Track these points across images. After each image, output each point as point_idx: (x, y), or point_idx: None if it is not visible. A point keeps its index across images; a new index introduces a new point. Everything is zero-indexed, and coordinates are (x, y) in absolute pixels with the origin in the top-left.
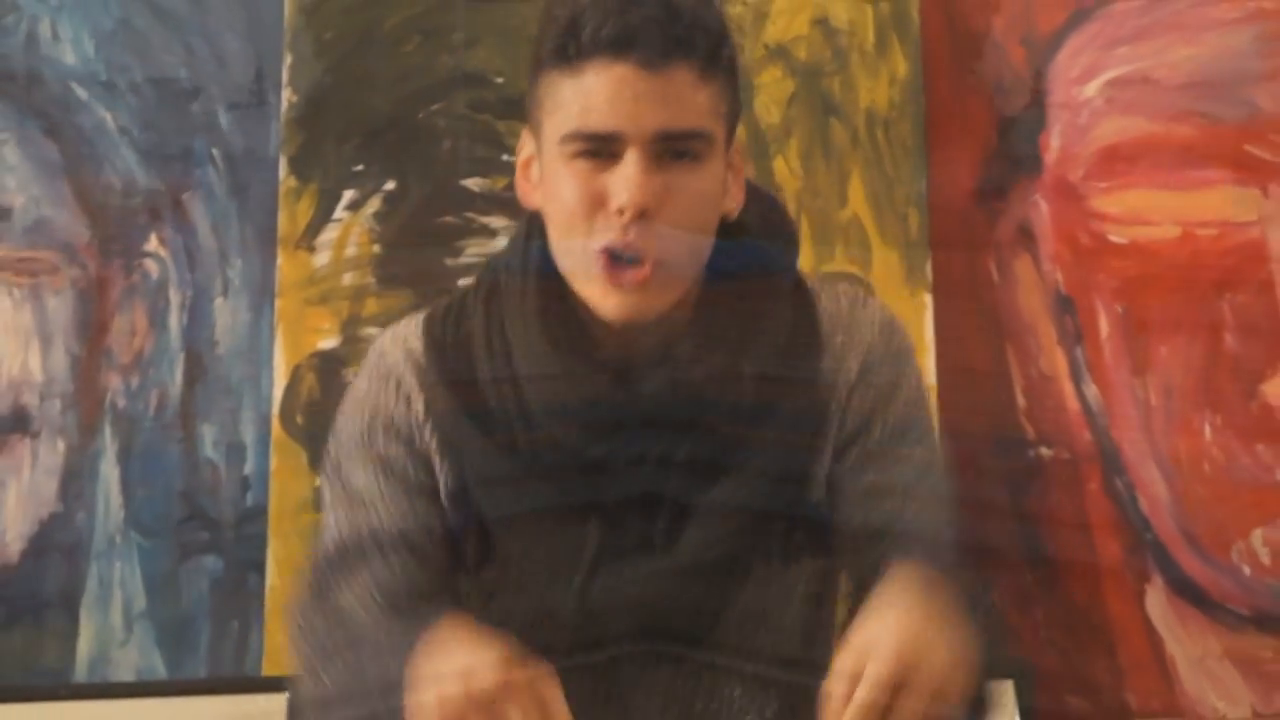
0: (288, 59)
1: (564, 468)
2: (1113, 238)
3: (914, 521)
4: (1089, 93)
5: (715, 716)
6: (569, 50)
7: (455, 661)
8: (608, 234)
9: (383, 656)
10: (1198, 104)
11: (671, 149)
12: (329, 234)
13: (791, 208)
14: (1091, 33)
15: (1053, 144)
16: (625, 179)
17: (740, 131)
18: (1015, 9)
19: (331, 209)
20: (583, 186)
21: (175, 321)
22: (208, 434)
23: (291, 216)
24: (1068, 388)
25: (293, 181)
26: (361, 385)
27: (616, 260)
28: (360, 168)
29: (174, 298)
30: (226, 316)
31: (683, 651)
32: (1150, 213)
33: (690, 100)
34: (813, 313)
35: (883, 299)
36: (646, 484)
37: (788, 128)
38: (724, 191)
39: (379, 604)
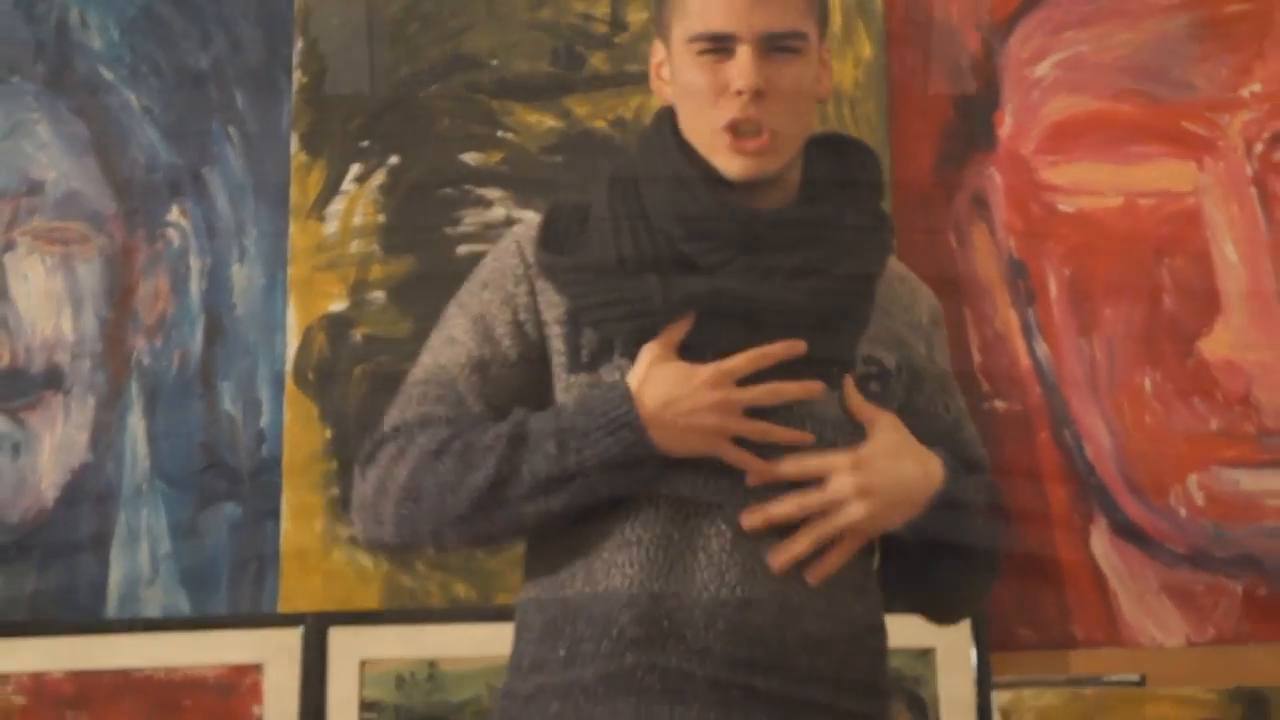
0: (298, 44)
1: (661, 260)
2: (1061, 207)
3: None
4: (1039, 73)
5: None
6: None
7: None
8: (731, 111)
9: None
10: (1138, 84)
11: (775, 45)
12: (337, 205)
13: None
14: (1041, 18)
15: (1006, 121)
16: (741, 68)
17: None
18: None
19: (339, 182)
20: (709, 75)
21: (195, 287)
22: (226, 390)
23: (302, 189)
24: (1020, 346)
25: (303, 157)
26: (487, 258)
27: (740, 132)
28: (365, 144)
29: (194, 265)
30: (243, 282)
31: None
32: (1095, 184)
33: (790, 6)
34: (887, 223)
35: None
36: (736, 281)
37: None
38: (817, 79)
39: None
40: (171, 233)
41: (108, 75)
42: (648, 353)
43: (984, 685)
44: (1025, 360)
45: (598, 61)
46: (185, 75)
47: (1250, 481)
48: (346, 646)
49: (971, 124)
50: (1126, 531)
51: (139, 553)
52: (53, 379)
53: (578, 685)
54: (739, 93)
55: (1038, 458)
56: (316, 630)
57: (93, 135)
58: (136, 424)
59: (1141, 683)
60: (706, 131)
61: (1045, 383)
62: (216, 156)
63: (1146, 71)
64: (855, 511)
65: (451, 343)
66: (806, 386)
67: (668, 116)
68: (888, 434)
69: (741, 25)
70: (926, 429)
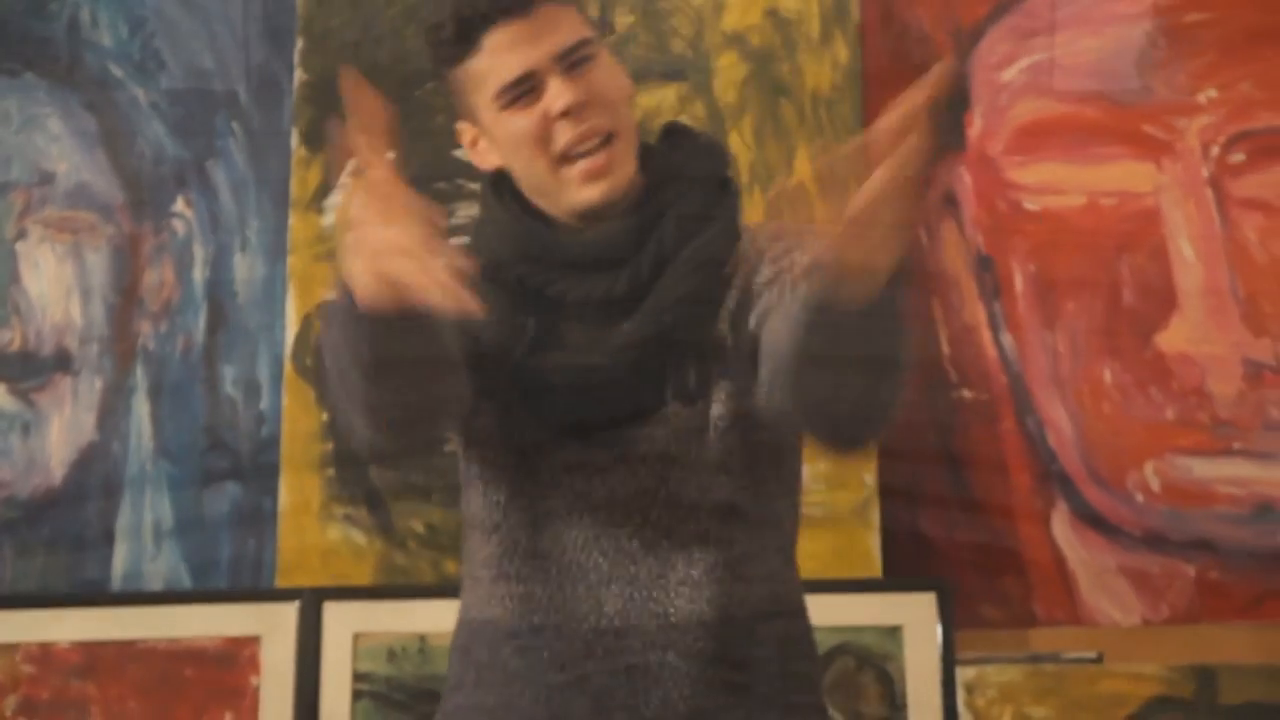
0: (299, 44)
1: (518, 295)
2: (1027, 205)
3: None
4: (1007, 77)
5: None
6: (465, 38)
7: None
8: (564, 135)
9: None
10: (1101, 89)
11: (571, 60)
12: (336, 198)
13: (745, 177)
14: (1009, 25)
15: (975, 122)
16: (554, 92)
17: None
18: (942, 4)
19: (337, 175)
20: (527, 117)
21: (199, 275)
22: (228, 374)
23: (302, 182)
24: (986, 337)
25: (303, 151)
26: None
27: (580, 153)
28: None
29: (198, 254)
30: (245, 270)
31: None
32: (1059, 183)
33: (564, 23)
34: (733, 195)
35: None
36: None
37: (742, 106)
38: (615, 72)
39: None
40: (177, 223)
41: (117, 72)
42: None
43: (949, 661)
44: (991, 351)
45: None
46: (191, 72)
47: (1204, 469)
48: (340, 620)
49: (942, 124)
50: (1086, 516)
51: (143, 529)
52: (62, 362)
53: (482, 709)
54: (563, 114)
55: (1002, 445)
56: (312, 605)
57: (102, 129)
58: (142, 406)
59: (1099, 660)
60: (548, 174)
61: (1010, 373)
62: (220, 151)
63: (1109, 77)
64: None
65: None
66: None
67: (505, 182)
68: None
69: (531, 59)
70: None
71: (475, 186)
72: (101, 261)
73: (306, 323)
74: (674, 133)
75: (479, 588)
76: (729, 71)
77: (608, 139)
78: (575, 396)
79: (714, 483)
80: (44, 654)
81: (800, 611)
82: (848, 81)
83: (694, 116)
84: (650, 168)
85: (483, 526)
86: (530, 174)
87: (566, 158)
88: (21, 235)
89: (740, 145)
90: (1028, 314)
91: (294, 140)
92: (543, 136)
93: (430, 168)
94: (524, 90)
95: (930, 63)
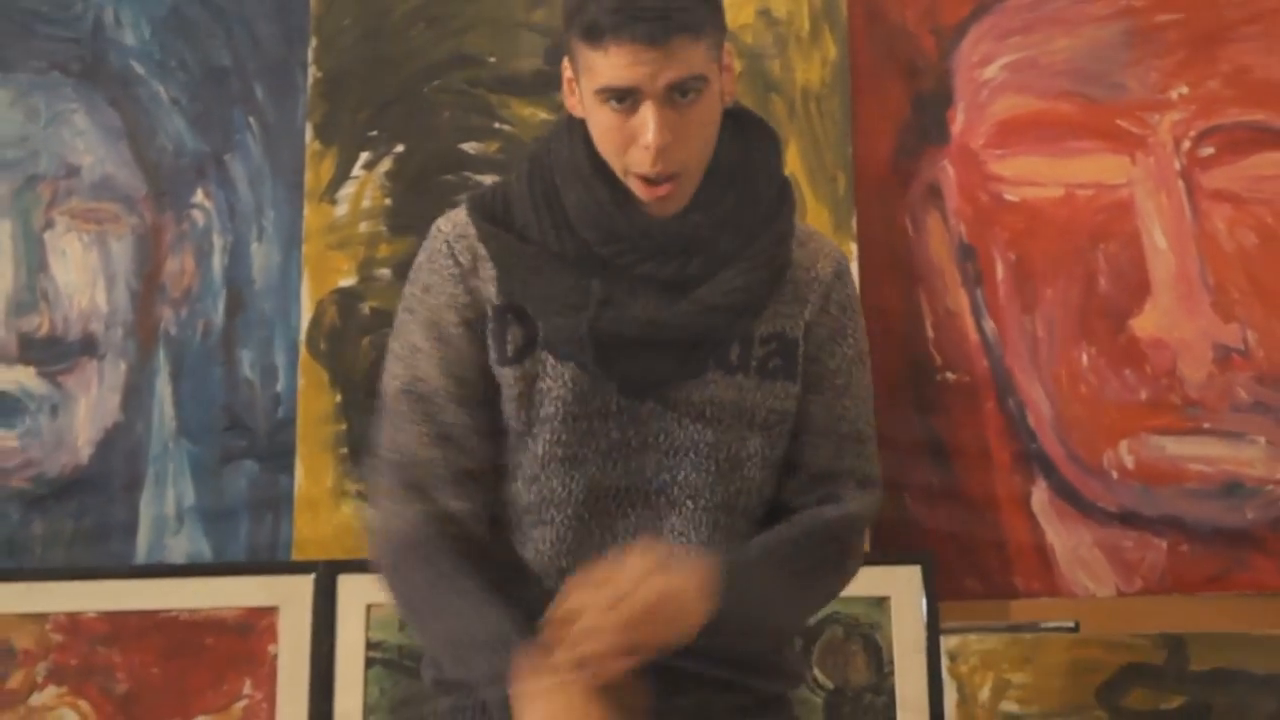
0: (313, 42)
1: (584, 259)
2: (1007, 196)
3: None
4: (987, 75)
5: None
6: (595, 36)
7: None
8: (640, 165)
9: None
10: (1077, 85)
11: (680, 91)
12: (348, 189)
13: None
14: (989, 25)
15: (958, 117)
16: (646, 124)
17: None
18: (926, 4)
19: (350, 168)
20: (616, 128)
21: (218, 263)
22: (246, 357)
23: (316, 174)
24: (969, 323)
25: (317, 145)
26: (419, 258)
27: (649, 181)
28: (374, 133)
29: (217, 242)
30: (261, 259)
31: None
32: (1038, 176)
33: (688, 58)
34: (787, 191)
35: None
36: (646, 284)
37: (735, 101)
38: (721, 96)
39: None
40: (196, 213)
41: (139, 69)
42: (536, 678)
43: (933, 630)
44: (974, 336)
45: None
46: (210, 70)
47: (1175, 447)
48: (354, 592)
49: (926, 120)
50: (1063, 492)
51: (165, 504)
52: (88, 346)
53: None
54: (646, 148)
55: (984, 425)
56: (327, 577)
57: (125, 124)
58: (164, 387)
59: (1075, 629)
60: (618, 168)
61: (991, 356)
62: (238, 144)
63: (1084, 74)
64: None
65: (415, 351)
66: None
67: (580, 130)
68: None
69: (644, 80)
70: (808, 383)
71: (480, 179)
72: (125, 250)
73: (320, 308)
74: (740, 120)
75: (515, 533)
76: None
77: (676, 175)
78: (639, 352)
79: (748, 446)
80: (72, 623)
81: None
82: (836, 78)
83: None
84: (719, 159)
85: (524, 476)
86: (604, 153)
87: (637, 176)
88: (49, 225)
89: None
90: (1008, 300)
91: (308, 134)
92: (623, 146)
93: (438, 161)
94: (623, 97)
95: (915, 60)
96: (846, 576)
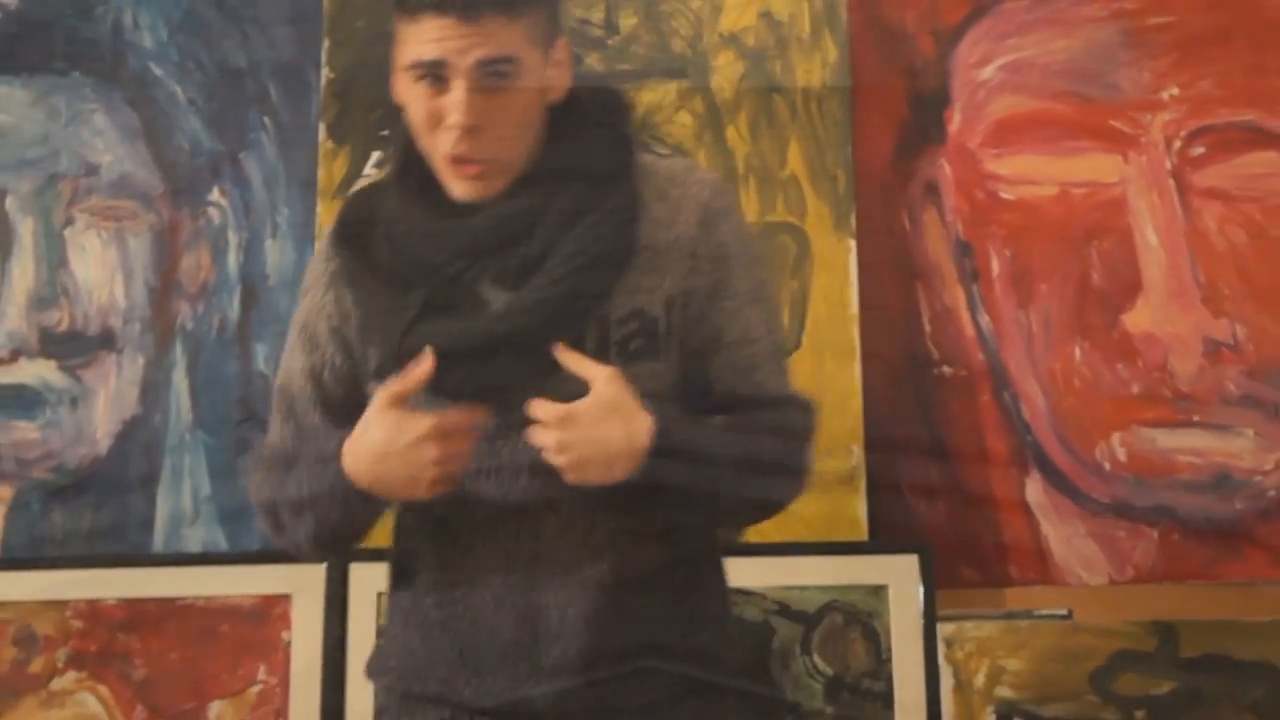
0: (326, 43)
1: (409, 275)
2: (1003, 195)
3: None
4: (984, 76)
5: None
6: (407, 5)
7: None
8: (448, 144)
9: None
10: (1072, 86)
11: (488, 72)
12: (359, 187)
13: (740, 168)
14: (987, 26)
15: (955, 117)
16: (454, 102)
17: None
18: (925, 6)
19: (361, 166)
20: (425, 106)
21: (233, 259)
22: (260, 351)
23: (329, 172)
24: (965, 317)
25: (330, 144)
26: (311, 258)
27: (458, 161)
28: (385, 133)
29: (232, 239)
30: (275, 255)
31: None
32: (1033, 174)
33: (502, 36)
34: (628, 172)
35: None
36: (471, 285)
37: (738, 102)
38: (546, 85)
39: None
40: (212, 211)
41: (157, 71)
42: (376, 398)
43: (930, 618)
44: (970, 331)
45: (593, 61)
46: (225, 71)
47: (1166, 439)
48: (365, 580)
49: (925, 120)
50: (1057, 483)
51: (182, 494)
52: (107, 340)
53: (407, 649)
54: (451, 127)
55: (980, 417)
56: (338, 565)
57: (143, 124)
58: (180, 380)
59: (1069, 616)
60: (432, 153)
61: (988, 350)
62: (253, 143)
63: (1079, 75)
64: (555, 462)
65: (292, 349)
66: (474, 416)
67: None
68: (600, 391)
69: (452, 54)
70: (693, 348)
71: None
72: (143, 247)
73: None
74: (575, 111)
75: (402, 545)
76: (726, 69)
77: (486, 160)
78: (474, 363)
79: None
80: (91, 610)
81: (696, 575)
82: (836, 79)
83: (693, 111)
84: (545, 159)
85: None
86: (419, 138)
87: (446, 158)
88: (69, 222)
89: (736, 138)
90: (1004, 296)
91: (320, 133)
92: (431, 126)
93: None
94: (432, 75)
95: (913, 61)
96: (792, 477)
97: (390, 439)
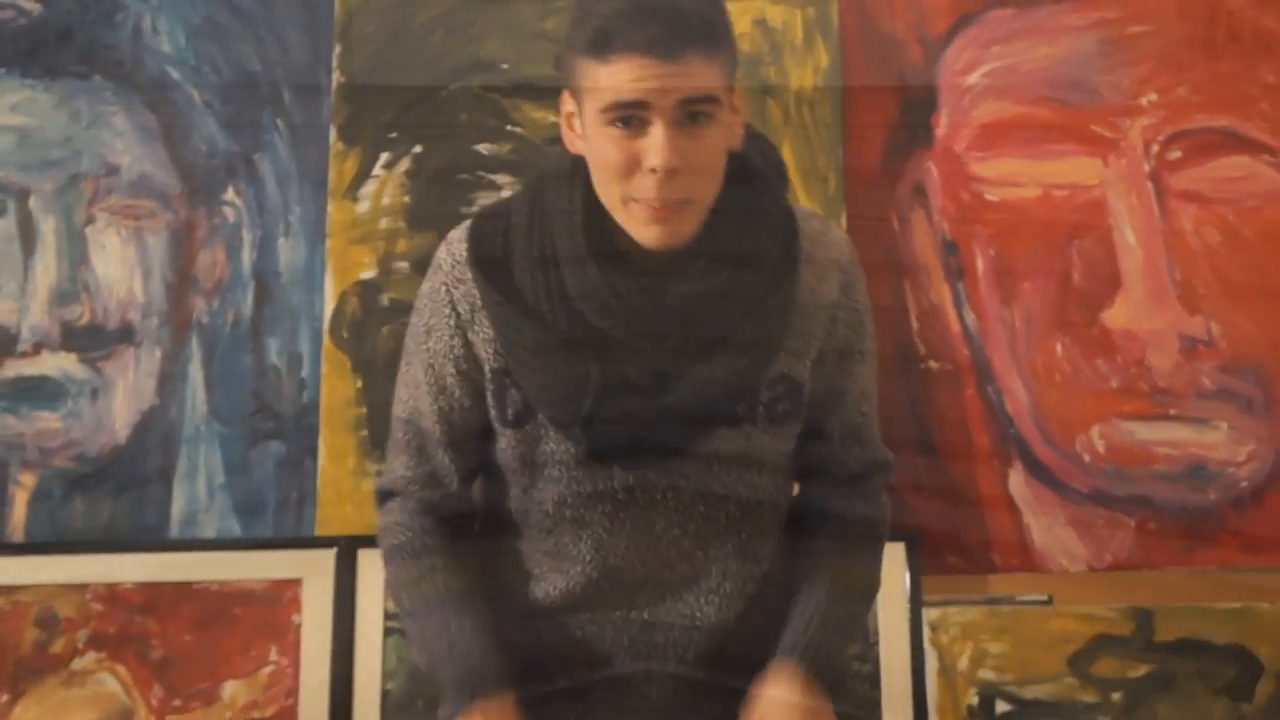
0: (337, 48)
1: (582, 339)
2: (988, 196)
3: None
4: (971, 81)
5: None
6: (602, 45)
7: None
8: (646, 190)
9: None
10: (1054, 92)
11: (688, 112)
12: (369, 187)
13: None
14: (973, 35)
15: (942, 121)
16: (655, 145)
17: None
18: (914, 15)
19: (371, 167)
20: (621, 151)
21: (247, 256)
22: (273, 345)
23: (339, 173)
24: (951, 314)
25: (340, 145)
26: (423, 288)
27: (656, 205)
28: (394, 135)
29: (246, 237)
30: (288, 252)
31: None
32: (1017, 177)
33: (700, 75)
34: (795, 240)
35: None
36: (645, 359)
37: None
38: (730, 134)
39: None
40: (228, 210)
41: (175, 75)
42: None
43: (916, 603)
44: (956, 327)
45: None
46: (241, 75)
47: (1143, 432)
48: (373, 565)
49: (913, 124)
50: (1039, 473)
51: (198, 483)
52: (126, 334)
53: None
54: (653, 170)
55: (965, 410)
56: (348, 551)
57: (161, 126)
58: (196, 373)
59: (1049, 602)
60: (619, 200)
61: (973, 346)
62: (266, 145)
63: (1061, 82)
64: None
65: (417, 386)
66: None
67: (581, 177)
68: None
69: (653, 93)
70: (817, 402)
71: (493, 178)
72: (161, 244)
73: (343, 299)
74: (746, 159)
75: (524, 569)
76: None
77: (682, 204)
78: (640, 430)
79: (758, 491)
80: (110, 593)
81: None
82: (828, 84)
83: None
84: (722, 200)
85: (535, 524)
86: (606, 190)
87: (638, 200)
88: (90, 221)
89: None
90: (988, 293)
91: (332, 135)
92: (626, 172)
93: (454, 161)
94: (631, 117)
95: (902, 67)
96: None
97: None
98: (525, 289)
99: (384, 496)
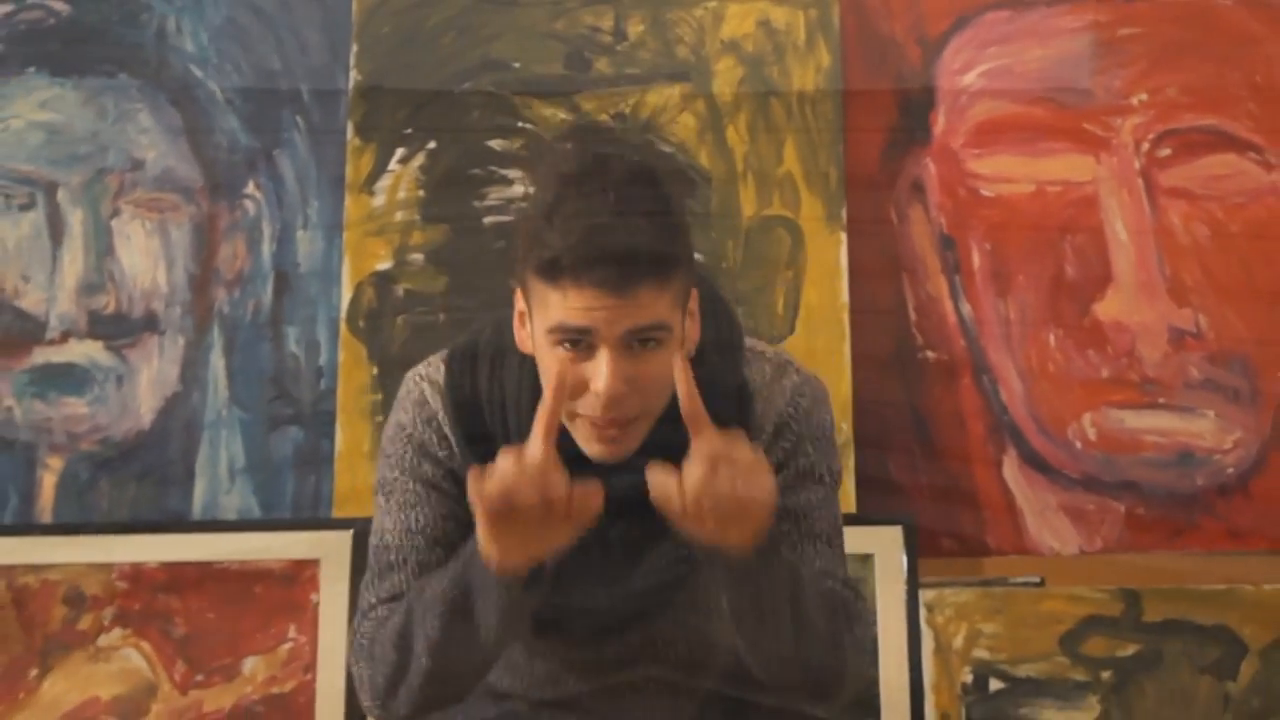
0: (354, 48)
1: None
2: (984, 192)
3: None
4: (967, 81)
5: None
6: (552, 273)
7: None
8: (590, 410)
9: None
10: (1049, 91)
11: (639, 340)
12: (385, 182)
13: (739, 166)
14: (969, 36)
15: (939, 120)
16: (600, 373)
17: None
18: (912, 16)
19: (387, 162)
20: (565, 369)
21: (267, 248)
22: (291, 334)
23: (356, 168)
24: (948, 306)
25: (357, 141)
26: (401, 417)
27: (600, 425)
28: (409, 131)
29: (266, 230)
30: (306, 244)
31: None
32: (1012, 173)
33: (652, 306)
34: (747, 404)
35: (801, 360)
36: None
37: (738, 104)
38: (687, 344)
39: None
40: (248, 203)
41: (198, 73)
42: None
43: (913, 585)
44: (952, 318)
45: (602, 65)
46: (261, 73)
47: (1133, 420)
48: None
49: (911, 122)
50: (1032, 460)
51: (219, 466)
52: (150, 323)
53: None
54: (598, 394)
55: (961, 399)
56: (364, 531)
57: (185, 122)
58: (218, 361)
59: (1041, 583)
60: (566, 413)
61: (968, 337)
62: (286, 141)
63: (1055, 82)
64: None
65: (407, 528)
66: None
67: (530, 366)
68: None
69: (601, 325)
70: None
71: (504, 172)
72: (184, 237)
73: (359, 289)
74: (701, 354)
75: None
76: (726, 74)
77: (630, 421)
78: (585, 635)
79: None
80: (135, 572)
81: None
82: (829, 83)
83: (695, 113)
84: (673, 402)
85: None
86: (551, 393)
87: (584, 416)
88: (116, 214)
89: (735, 138)
90: (984, 287)
91: (349, 132)
92: (574, 393)
93: (465, 157)
94: (579, 340)
95: (901, 67)
96: (849, 652)
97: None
98: (493, 431)
99: (356, 633)
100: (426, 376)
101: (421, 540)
